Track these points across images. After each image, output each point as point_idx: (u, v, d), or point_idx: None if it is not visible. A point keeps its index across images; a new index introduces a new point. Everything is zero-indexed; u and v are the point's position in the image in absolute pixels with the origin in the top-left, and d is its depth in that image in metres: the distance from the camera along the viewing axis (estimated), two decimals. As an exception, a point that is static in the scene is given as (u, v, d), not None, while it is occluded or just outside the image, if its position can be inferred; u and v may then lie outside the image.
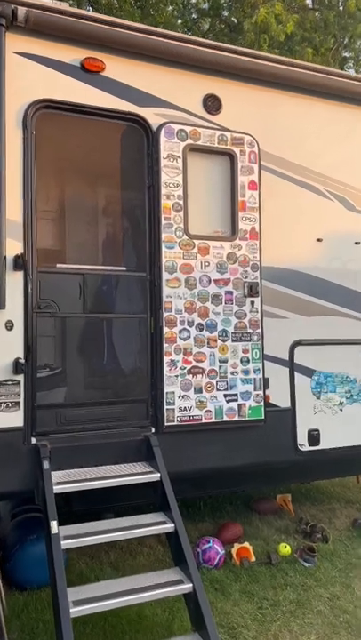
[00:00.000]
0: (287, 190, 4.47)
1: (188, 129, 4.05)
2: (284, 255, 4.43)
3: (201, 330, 4.03)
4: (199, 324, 4.03)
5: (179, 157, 4.01)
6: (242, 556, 4.26)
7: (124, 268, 3.94)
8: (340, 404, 4.57)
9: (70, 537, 3.06)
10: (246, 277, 4.19)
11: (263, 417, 4.17)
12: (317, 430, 4.44)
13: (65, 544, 3.07)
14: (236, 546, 4.30)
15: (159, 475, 3.55)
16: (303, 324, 4.47)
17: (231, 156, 4.19)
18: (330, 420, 4.51)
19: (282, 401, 4.35)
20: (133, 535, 3.26)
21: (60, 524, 3.59)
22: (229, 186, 4.20)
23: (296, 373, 4.41)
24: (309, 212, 4.54)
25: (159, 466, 3.57)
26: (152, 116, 4.02)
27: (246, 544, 4.33)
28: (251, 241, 4.23)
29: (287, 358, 4.40)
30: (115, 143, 3.99)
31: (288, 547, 4.41)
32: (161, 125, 3.97)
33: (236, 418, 4.09)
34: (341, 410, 4.57)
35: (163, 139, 3.97)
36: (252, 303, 4.19)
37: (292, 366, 4.40)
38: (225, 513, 5.30)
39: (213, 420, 4.02)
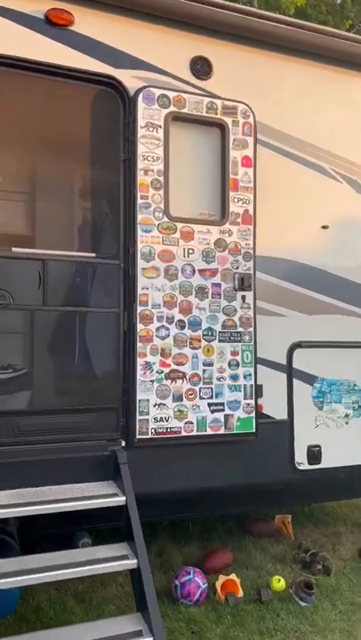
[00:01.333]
0: (288, 169, 3.88)
1: (171, 94, 3.49)
2: (283, 243, 3.85)
3: (182, 328, 3.46)
4: (180, 320, 3.46)
5: (159, 127, 3.46)
6: (228, 590, 3.67)
7: (94, 255, 3.41)
8: (346, 416, 3.97)
9: (4, 575, 2.51)
10: (237, 268, 3.62)
11: (254, 430, 3.59)
12: (319, 446, 3.85)
13: None
14: (222, 578, 3.72)
15: (124, 499, 2.99)
16: (304, 324, 3.88)
17: (222, 127, 3.62)
18: (334, 434, 3.91)
19: (277, 412, 3.76)
20: (87, 573, 2.71)
21: (24, 548, 3.08)
22: (219, 162, 3.63)
23: (295, 380, 3.82)
24: (314, 195, 3.95)
25: (125, 488, 3.02)
26: (129, 79, 3.46)
27: (233, 576, 3.74)
28: (243, 226, 3.65)
29: (285, 362, 3.81)
30: (84, 109, 3.45)
31: (282, 580, 3.81)
32: (139, 90, 3.42)
33: (223, 431, 3.52)
34: (347, 423, 3.96)
35: (141, 105, 3.42)
36: (244, 298, 3.61)
37: (290, 372, 3.81)
38: (215, 535, 4.71)
39: (195, 432, 3.45)
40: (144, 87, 3.43)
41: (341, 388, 3.96)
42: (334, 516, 5.28)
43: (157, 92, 3.46)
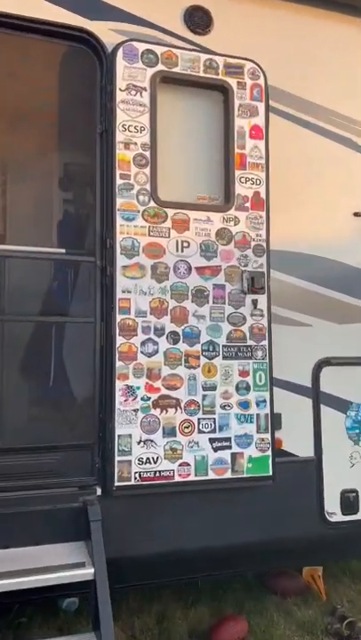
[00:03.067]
0: (310, 143, 3.13)
1: (159, 50, 2.79)
2: (306, 235, 3.08)
3: (175, 342, 2.72)
4: (173, 332, 2.72)
5: (144, 90, 2.76)
6: None
7: (63, 251, 2.73)
8: (391, 452, 3.14)
9: None
10: (246, 265, 2.86)
11: (271, 473, 2.79)
12: (356, 492, 3.02)
13: None
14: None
15: (92, 571, 2.24)
16: (334, 335, 3.08)
17: (224, 91, 2.90)
18: (375, 476, 3.08)
19: (301, 448, 2.96)
20: None
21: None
22: (222, 132, 2.90)
23: (323, 407, 3.02)
24: (343, 176, 3.17)
25: (94, 555, 2.26)
26: (107, 33, 2.78)
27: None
28: (253, 212, 2.90)
29: (309, 385, 3.01)
30: (51, 72, 2.79)
31: (310, 666, 2.98)
32: (119, 45, 2.74)
33: (229, 474, 2.73)
34: (393, 461, 3.14)
35: (120, 62, 2.73)
36: (255, 303, 2.85)
37: (316, 396, 3.01)
38: (230, 592, 3.88)
39: (193, 477, 2.67)
40: (125, 41, 2.75)
41: (384, 416, 3.13)
42: (375, 569, 4.39)
43: (142, 46, 2.77)
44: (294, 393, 2.97)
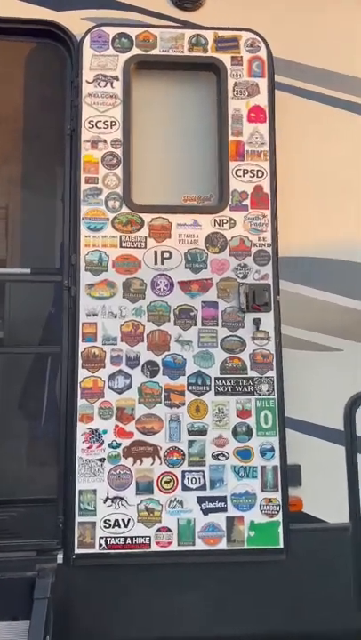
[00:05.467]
0: (333, 122, 2.49)
1: (134, 32, 2.39)
2: (330, 235, 2.43)
3: (153, 374, 2.20)
4: (150, 362, 2.21)
5: (115, 79, 2.36)
6: None
7: (28, 271, 2.37)
8: None
9: None
10: (245, 276, 2.29)
11: (283, 544, 2.13)
12: None
13: None
14: None
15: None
16: (374, 362, 2.37)
17: (216, 69, 2.41)
18: None
19: (331, 512, 2.25)
20: None
21: None
22: (214, 119, 2.41)
23: (362, 457, 2.30)
24: (381, 158, 2.50)
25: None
26: (77, 22, 2.45)
27: None
28: (255, 211, 2.33)
29: (341, 427, 2.31)
30: (17, 72, 2.51)
31: None
32: (86, 32, 2.39)
33: (224, 545, 2.11)
34: None
35: (87, 52, 2.36)
36: (258, 323, 2.25)
37: (351, 443, 2.30)
38: None
39: (175, 547, 2.10)
40: (92, 28, 2.39)
41: None
42: None
43: (113, 31, 2.39)
44: (320, 438, 2.29)
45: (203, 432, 2.18)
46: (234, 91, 2.39)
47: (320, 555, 2.20)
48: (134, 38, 2.39)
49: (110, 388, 2.18)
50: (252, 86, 2.40)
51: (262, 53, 2.42)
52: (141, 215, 2.29)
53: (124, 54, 2.38)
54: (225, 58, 2.41)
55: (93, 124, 2.33)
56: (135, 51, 2.38)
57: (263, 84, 2.40)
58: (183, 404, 2.19)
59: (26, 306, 2.40)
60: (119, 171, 2.30)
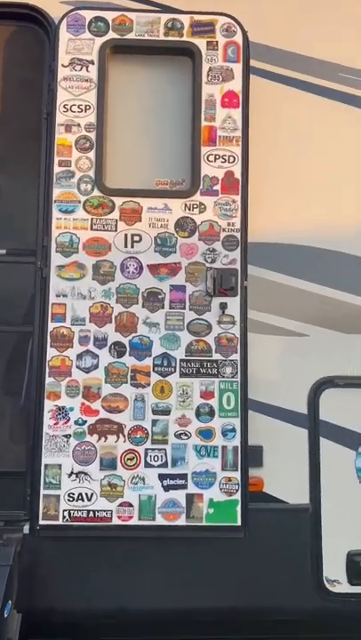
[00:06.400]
0: (308, 108, 2.50)
1: (110, 16, 2.41)
2: (301, 221, 2.45)
3: (120, 354, 2.26)
4: (117, 343, 2.26)
5: (91, 63, 2.38)
6: None
7: (4, 251, 2.43)
8: None
9: None
10: (213, 261, 2.32)
11: (240, 522, 2.19)
12: (370, 555, 2.29)
13: None
14: None
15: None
16: (339, 348, 2.39)
17: (191, 54, 2.42)
18: None
19: (290, 493, 2.30)
20: None
21: None
22: (188, 104, 2.43)
23: (323, 440, 2.33)
24: (354, 146, 2.50)
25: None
26: (56, 5, 2.47)
27: None
28: (225, 196, 2.35)
29: (304, 411, 2.36)
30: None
31: None
32: (64, 16, 2.41)
33: (183, 521, 2.18)
34: None
35: (64, 35, 2.38)
36: (224, 307, 2.29)
37: (314, 427, 2.34)
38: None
39: (136, 521, 2.17)
40: (70, 11, 2.41)
41: None
42: None
43: (89, 15, 2.40)
44: (283, 421, 2.33)
45: (166, 412, 2.24)
46: (208, 76, 2.40)
47: (279, 533, 2.26)
48: (110, 22, 2.41)
49: (78, 367, 2.24)
50: (227, 71, 2.41)
51: (238, 38, 2.42)
52: (113, 198, 2.33)
53: (100, 38, 2.40)
54: (200, 42, 2.42)
55: (68, 107, 2.36)
56: (111, 35, 2.40)
57: (238, 69, 2.41)
58: (148, 385, 2.25)
59: (2, 286, 2.46)
60: (92, 154, 2.34)
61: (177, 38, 2.42)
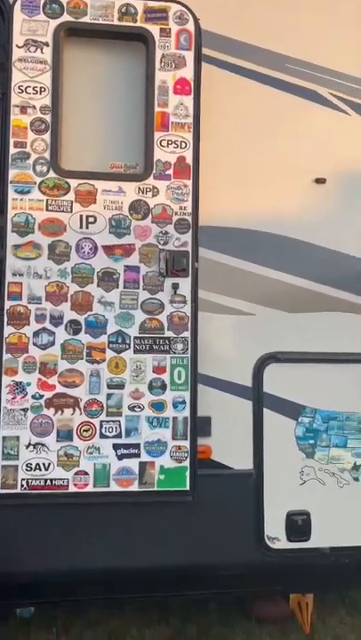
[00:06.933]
0: (258, 97, 2.62)
1: (65, -2, 2.45)
2: (251, 206, 2.59)
3: (76, 332, 2.37)
4: (73, 321, 2.37)
5: (45, 45, 2.41)
6: None
7: None
8: (356, 468, 2.57)
9: None
10: (166, 243, 2.44)
11: (189, 487, 2.37)
12: (306, 514, 2.50)
13: None
14: None
15: None
16: (283, 326, 2.57)
17: (145, 40, 2.49)
18: (333, 496, 2.53)
19: (236, 459, 2.50)
20: None
21: None
22: (142, 90, 2.50)
23: (267, 411, 2.53)
24: (302, 134, 2.65)
25: None
26: (13, -15, 2.49)
27: None
28: (177, 181, 2.46)
29: (249, 384, 2.54)
30: None
31: None
32: (18, -4, 2.43)
33: (136, 487, 2.35)
34: (357, 479, 2.56)
35: (18, 15, 2.40)
36: (176, 287, 2.42)
37: (258, 399, 2.53)
38: (200, 615, 3.48)
39: (91, 488, 2.31)
40: (24, -9, 2.44)
41: (347, 424, 2.57)
42: (381, 598, 3.76)
43: (44, -5, 2.44)
44: (230, 394, 2.51)
45: (121, 386, 2.37)
46: (161, 62, 2.48)
47: (225, 497, 2.45)
48: (65, 4, 2.44)
49: (34, 344, 2.34)
50: (179, 58, 2.49)
51: (190, 26, 2.50)
52: (68, 180, 2.40)
53: (55, 20, 2.43)
54: (154, 29, 2.48)
55: (23, 89, 2.40)
56: (66, 17, 2.44)
57: (190, 56, 2.50)
58: (104, 361, 2.37)
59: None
60: (47, 136, 2.39)
61: (131, 24, 2.48)
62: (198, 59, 2.50)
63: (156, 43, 2.48)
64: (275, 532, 2.48)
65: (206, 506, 2.40)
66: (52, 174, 2.39)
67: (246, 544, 2.45)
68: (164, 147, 2.46)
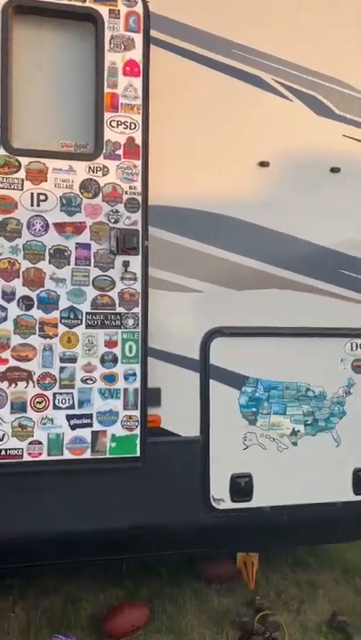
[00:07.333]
0: (204, 81, 2.72)
1: (13, -25, 2.46)
2: (198, 188, 2.70)
3: (28, 307, 2.44)
4: (25, 297, 2.43)
5: (-7, 22, 2.44)
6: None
7: None
8: (294, 433, 2.78)
9: None
10: (116, 222, 2.53)
11: (139, 453, 2.51)
12: (249, 476, 2.70)
13: None
14: (107, 655, 2.70)
15: None
16: (228, 303, 2.72)
17: (94, 21, 2.54)
18: (273, 459, 2.74)
19: (184, 427, 2.65)
20: None
21: None
22: (92, 70, 2.55)
23: (213, 382, 2.69)
24: (247, 119, 2.77)
25: None
26: None
27: (123, 653, 2.70)
28: (127, 161, 2.55)
29: (197, 357, 2.68)
30: None
31: (194, 663, 2.74)
32: None
33: (88, 454, 2.47)
34: (295, 444, 2.77)
35: (-35, -9, 2.42)
36: (127, 265, 2.52)
37: (205, 370, 2.68)
38: (152, 577, 3.67)
39: (45, 457, 2.42)
40: (-30, -35, 2.42)
41: (286, 393, 2.77)
42: (322, 558, 4.06)
43: (-8, -29, 2.44)
44: (179, 366, 2.65)
45: (73, 360, 2.46)
46: (110, 43, 2.53)
47: (174, 461, 2.61)
48: (13, -19, 2.45)
49: (-13, 319, 2.40)
50: (128, 40, 2.55)
51: (138, 8, 2.56)
52: (19, 158, 2.43)
53: (2, -2, 2.44)
54: (103, 10, 2.53)
55: (-29, 66, 2.41)
56: (14, -6, 2.45)
57: (139, 39, 2.56)
58: (56, 335, 2.45)
59: None
60: (-4, 114, 2.42)
61: (80, 3, 2.51)
62: (147, 41, 2.57)
63: (105, 24, 2.52)
64: (220, 493, 2.66)
65: (156, 470, 2.55)
66: (2, 152, 2.42)
67: (194, 505, 2.61)
68: (113, 127, 2.53)
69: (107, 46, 2.52)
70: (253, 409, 2.72)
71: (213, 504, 2.64)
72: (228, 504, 2.66)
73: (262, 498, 2.69)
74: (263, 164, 2.77)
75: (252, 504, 2.68)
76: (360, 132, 2.90)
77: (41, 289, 2.45)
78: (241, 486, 2.67)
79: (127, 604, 3.16)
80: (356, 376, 2.83)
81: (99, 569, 3.62)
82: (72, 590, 3.46)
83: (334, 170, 2.85)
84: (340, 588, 3.62)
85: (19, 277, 2.42)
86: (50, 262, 2.45)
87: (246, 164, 2.76)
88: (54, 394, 2.44)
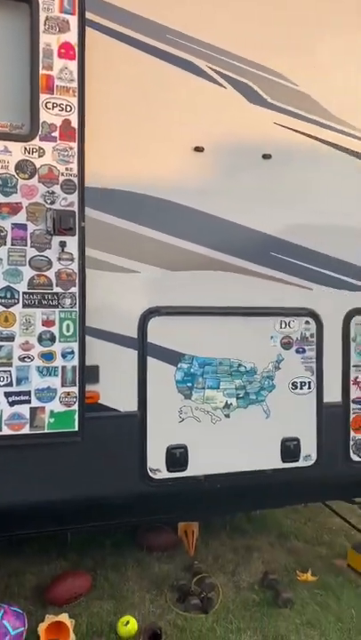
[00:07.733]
0: (139, 66, 2.77)
1: None
2: (134, 170, 2.77)
3: (-35, 287, 2.48)
4: None
5: None
6: (53, 637, 2.77)
7: None
8: (227, 406, 2.94)
9: None
10: (53, 202, 2.58)
11: (77, 428, 2.61)
12: (184, 447, 2.85)
13: None
14: (48, 620, 2.81)
15: None
16: (165, 283, 2.82)
17: (29, 2, 2.54)
18: (207, 431, 2.89)
19: (122, 402, 2.76)
20: None
21: None
22: (28, 51, 2.56)
23: (150, 359, 2.80)
24: (181, 104, 2.85)
25: None
26: None
27: (64, 617, 2.82)
28: (62, 143, 2.59)
29: (135, 335, 2.79)
30: None
31: (132, 623, 2.89)
32: None
33: (27, 430, 2.54)
34: (228, 416, 2.94)
35: None
36: (63, 245, 2.58)
37: (143, 348, 2.79)
38: (95, 547, 3.80)
39: (-16, 433, 2.50)
40: None
41: (220, 369, 2.92)
42: (259, 524, 4.31)
43: None
44: (117, 344, 2.75)
45: (11, 338, 2.52)
46: (45, 25, 2.55)
47: (112, 436, 2.72)
48: None
49: None
50: (63, 22, 2.57)
51: (74, -9, 2.58)
52: None
53: None
54: (38, -9, 2.54)
55: None
56: None
57: (74, 21, 2.58)
58: (-7, 315, 2.50)
59: None
60: None
61: (14, -17, 2.51)
62: (82, 24, 2.60)
63: (39, 4, 2.53)
64: (156, 464, 2.80)
65: (95, 444, 2.65)
66: None
67: (132, 476, 2.74)
68: (49, 109, 2.56)
69: (42, 27, 2.54)
70: (189, 384, 2.86)
71: (150, 474, 2.78)
72: (164, 474, 2.81)
73: (197, 467, 2.85)
74: (198, 149, 2.87)
75: (187, 473, 2.84)
76: (291, 120, 3.05)
77: (-23, 269, 2.48)
78: (176, 457, 2.82)
79: (70, 573, 3.29)
80: (285, 352, 3.02)
81: (43, 542, 3.73)
82: (17, 565, 3.55)
83: (266, 156, 2.99)
84: (274, 551, 3.88)
85: None
86: (-15, 243, 2.49)
87: (182, 149, 2.85)
88: (-8, 372, 2.50)
